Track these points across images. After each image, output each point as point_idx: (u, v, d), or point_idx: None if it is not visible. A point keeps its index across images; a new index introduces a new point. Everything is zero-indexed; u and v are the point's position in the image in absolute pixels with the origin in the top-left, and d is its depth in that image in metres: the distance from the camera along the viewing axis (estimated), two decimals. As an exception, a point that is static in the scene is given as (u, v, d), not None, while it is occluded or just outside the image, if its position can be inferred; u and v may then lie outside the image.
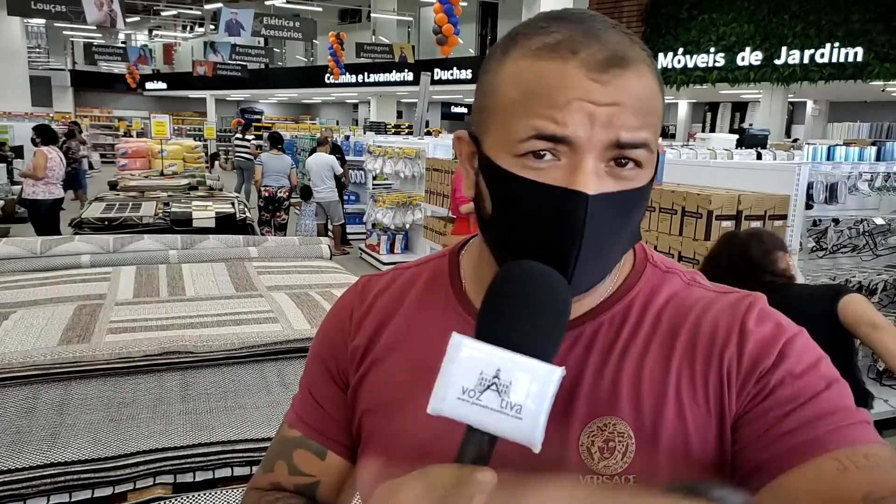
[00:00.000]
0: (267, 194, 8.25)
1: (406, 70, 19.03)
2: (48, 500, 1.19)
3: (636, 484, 0.58)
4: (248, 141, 13.40)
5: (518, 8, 10.62)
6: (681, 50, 13.22)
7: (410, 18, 21.34)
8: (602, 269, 0.61)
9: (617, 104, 0.55)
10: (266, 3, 19.88)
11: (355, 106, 29.05)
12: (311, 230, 8.69)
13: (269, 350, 1.68)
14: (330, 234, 8.68)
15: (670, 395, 0.61)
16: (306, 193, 8.78)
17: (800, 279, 2.72)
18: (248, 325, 1.90)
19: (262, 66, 22.27)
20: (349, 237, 9.31)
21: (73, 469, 1.22)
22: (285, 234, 8.28)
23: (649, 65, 0.59)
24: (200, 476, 1.30)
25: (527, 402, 0.46)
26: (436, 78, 16.75)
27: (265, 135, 12.26)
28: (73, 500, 1.20)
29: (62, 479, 1.20)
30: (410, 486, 0.48)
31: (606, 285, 0.66)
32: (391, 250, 8.16)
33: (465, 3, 12.76)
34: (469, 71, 17.80)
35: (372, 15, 20.80)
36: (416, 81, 15.57)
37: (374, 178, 8.87)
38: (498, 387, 0.46)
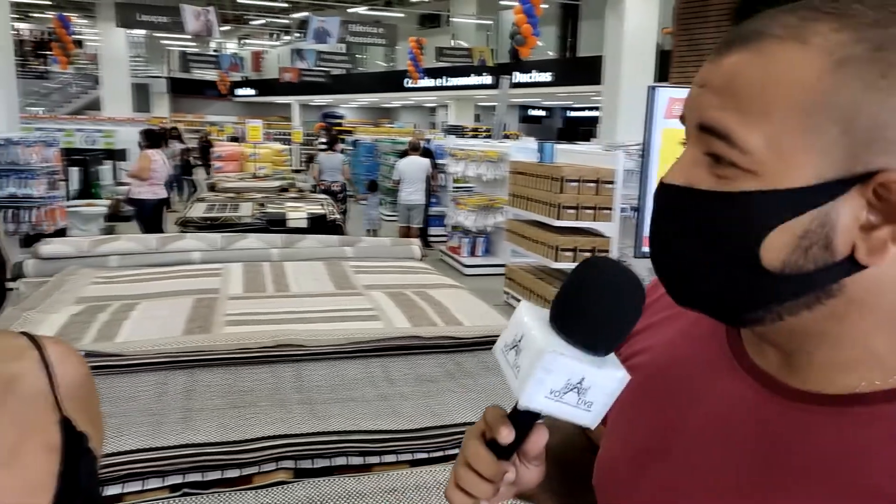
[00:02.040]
0: (322, 188, 9.07)
1: (484, 73, 19.09)
2: (184, 478, 1.27)
3: None
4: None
5: (601, 9, 10.47)
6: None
7: (490, 22, 21.39)
8: (685, 279, 0.52)
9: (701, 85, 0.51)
10: (349, 10, 20.42)
11: (433, 109, 29.36)
12: (375, 219, 9.53)
13: (374, 346, 1.74)
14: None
15: None
16: (373, 186, 9.73)
17: None
18: (352, 321, 1.98)
19: (345, 71, 22.87)
20: (430, 240, 9.44)
21: (205, 451, 1.30)
22: (345, 224, 9.11)
23: (783, 39, 0.46)
24: (319, 463, 1.36)
25: (598, 399, 0.52)
26: (514, 81, 16.70)
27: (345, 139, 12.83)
28: (205, 479, 1.28)
29: (196, 459, 1.29)
30: (463, 448, 0.58)
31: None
32: (472, 253, 8.21)
33: (546, 6, 12.67)
34: (549, 74, 17.66)
35: (451, 19, 20.99)
36: (494, 85, 15.58)
37: (455, 181, 8.96)
38: (579, 389, 0.52)
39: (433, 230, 9.70)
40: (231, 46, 31.59)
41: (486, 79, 18.91)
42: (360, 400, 1.56)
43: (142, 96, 24.07)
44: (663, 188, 0.52)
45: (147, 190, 7.18)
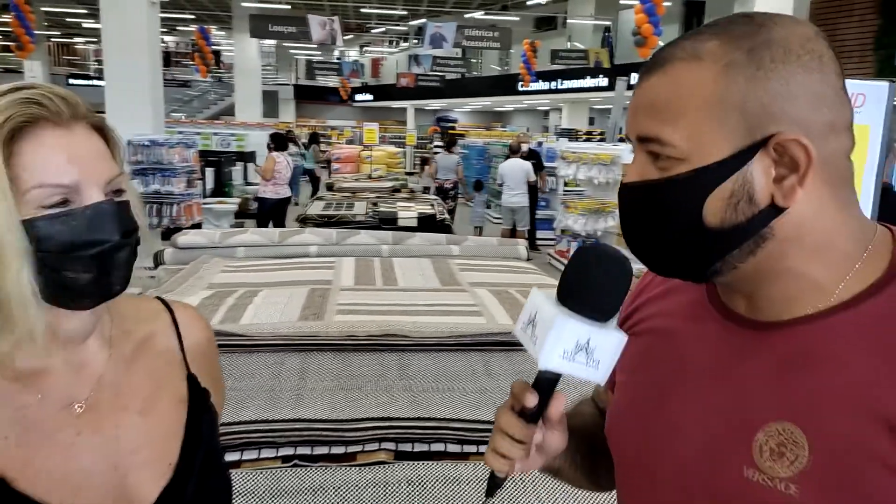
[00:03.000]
0: (437, 185, 10.09)
1: (600, 75, 18.68)
2: (295, 450, 1.37)
3: (797, 494, 0.59)
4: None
5: (727, 5, 9.96)
6: (927, 43, 11.46)
7: (608, 23, 20.94)
8: (654, 253, 0.67)
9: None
10: (465, 15, 20.70)
11: (546, 113, 29.12)
12: (481, 216, 10.32)
13: (475, 341, 1.78)
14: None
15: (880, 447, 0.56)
16: (478, 186, 10.41)
17: None
18: (456, 316, 2.03)
19: (459, 75, 23.19)
20: (538, 242, 9.38)
21: (315, 427, 1.40)
22: (453, 219, 9.27)
23: (684, 59, 0.63)
24: (418, 447, 1.41)
25: (604, 358, 0.63)
26: (632, 83, 16.23)
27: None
28: (314, 452, 1.38)
29: (306, 433, 1.38)
30: (496, 420, 0.71)
31: (823, 287, 0.63)
32: (580, 257, 8.07)
33: (668, 3, 12.22)
34: (668, 74, 16.95)
35: (567, 21, 20.73)
36: (610, 87, 15.23)
37: (566, 185, 8.85)
38: (587, 349, 0.62)
39: (541, 233, 9.62)
40: (352, 54, 32.96)
41: (602, 81, 18.49)
42: (460, 391, 1.61)
43: (270, 102, 25.62)
44: (624, 187, 0.68)
45: (270, 190, 7.66)
